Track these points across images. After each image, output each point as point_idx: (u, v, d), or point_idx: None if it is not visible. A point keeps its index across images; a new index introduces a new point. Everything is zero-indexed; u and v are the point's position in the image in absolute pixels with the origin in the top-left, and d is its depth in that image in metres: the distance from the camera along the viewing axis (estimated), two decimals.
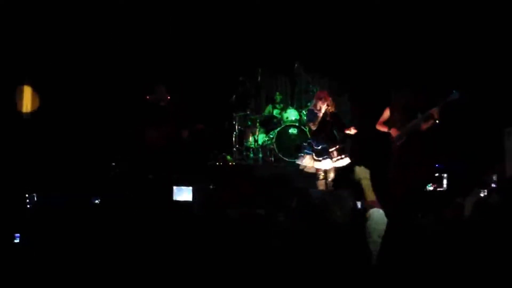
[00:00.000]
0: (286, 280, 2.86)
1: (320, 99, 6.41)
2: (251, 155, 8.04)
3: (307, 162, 6.39)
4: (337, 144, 6.45)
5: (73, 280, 3.55)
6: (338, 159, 6.37)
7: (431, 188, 5.62)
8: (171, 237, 3.75)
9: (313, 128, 6.51)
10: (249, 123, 8.24)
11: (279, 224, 4.19)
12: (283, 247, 3.11)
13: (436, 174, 5.87)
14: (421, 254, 2.82)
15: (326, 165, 6.33)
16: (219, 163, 7.81)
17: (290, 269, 2.88)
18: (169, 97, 6.79)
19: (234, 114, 8.16)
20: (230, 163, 7.86)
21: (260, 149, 8.02)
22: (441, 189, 5.68)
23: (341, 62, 8.23)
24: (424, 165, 6.33)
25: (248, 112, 8.20)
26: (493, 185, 4.65)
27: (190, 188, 5.73)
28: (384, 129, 6.59)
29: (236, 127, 8.16)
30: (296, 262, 2.91)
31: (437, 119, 6.08)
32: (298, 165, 6.55)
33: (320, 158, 6.33)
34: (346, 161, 6.43)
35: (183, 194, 5.73)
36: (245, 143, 8.20)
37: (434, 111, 6.07)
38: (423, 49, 7.47)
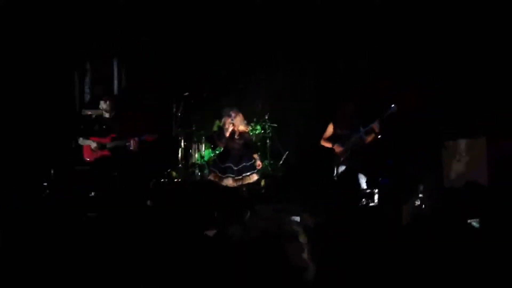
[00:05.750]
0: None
1: (229, 116, 6.44)
2: (197, 171, 7.93)
3: (213, 178, 6.43)
4: (246, 162, 6.41)
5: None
6: (243, 177, 6.34)
7: (364, 203, 5.76)
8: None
9: (221, 146, 6.59)
10: (195, 139, 8.15)
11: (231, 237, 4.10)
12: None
13: (368, 190, 6.03)
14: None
15: (228, 183, 6.33)
16: (164, 179, 7.66)
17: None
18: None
19: (180, 130, 8.05)
20: (175, 180, 7.73)
21: (206, 165, 7.93)
22: (373, 204, 5.83)
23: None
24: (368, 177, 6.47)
25: (194, 128, 8.10)
26: (420, 195, 4.79)
27: None
28: (328, 145, 6.69)
29: (182, 143, 8.04)
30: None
31: (379, 133, 6.25)
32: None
33: (223, 176, 6.35)
34: (253, 177, 6.43)
35: None
36: (190, 160, 8.10)
37: (375, 125, 6.24)
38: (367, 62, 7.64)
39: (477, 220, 3.38)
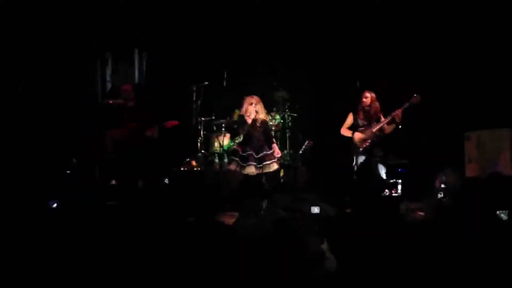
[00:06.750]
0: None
1: (250, 104, 6.40)
2: (216, 160, 7.94)
3: (234, 167, 6.39)
4: (267, 151, 6.39)
5: None
6: (263, 165, 6.32)
7: (387, 194, 5.72)
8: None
9: (242, 133, 6.54)
10: (214, 128, 8.15)
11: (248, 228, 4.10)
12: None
13: (392, 180, 5.97)
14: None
15: (250, 171, 6.31)
16: (184, 168, 7.69)
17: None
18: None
19: (199, 119, 8.06)
20: (195, 169, 7.76)
21: (225, 154, 7.93)
22: (396, 194, 5.78)
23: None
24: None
25: (213, 117, 8.10)
26: (442, 186, 4.73)
27: None
28: (348, 134, 6.65)
29: (201, 132, 8.06)
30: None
31: (400, 123, 6.19)
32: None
33: (245, 164, 6.32)
34: (273, 166, 6.40)
35: None
36: (210, 148, 8.11)
37: (396, 114, 6.18)
38: (387, 53, 7.55)
39: (506, 212, 3.32)
